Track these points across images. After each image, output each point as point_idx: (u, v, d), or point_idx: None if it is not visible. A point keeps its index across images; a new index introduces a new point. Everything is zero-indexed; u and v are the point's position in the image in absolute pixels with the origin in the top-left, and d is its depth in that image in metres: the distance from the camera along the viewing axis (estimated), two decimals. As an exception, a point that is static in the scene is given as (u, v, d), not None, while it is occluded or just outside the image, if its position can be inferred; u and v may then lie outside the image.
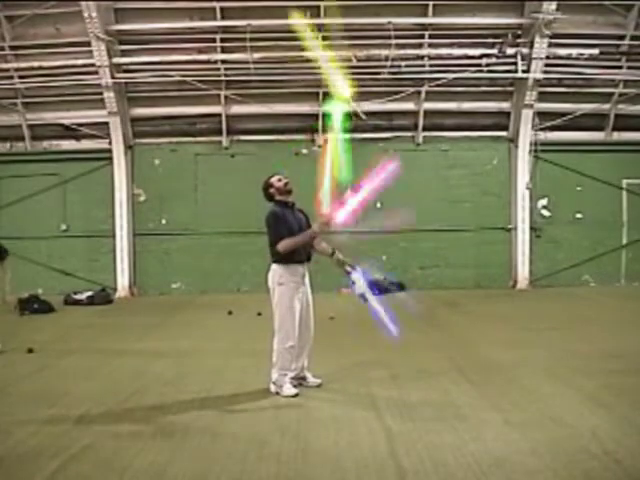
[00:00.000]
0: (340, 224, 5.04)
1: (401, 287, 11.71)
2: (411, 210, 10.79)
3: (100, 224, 12.12)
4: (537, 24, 10.83)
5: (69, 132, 12.18)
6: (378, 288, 5.37)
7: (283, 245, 4.99)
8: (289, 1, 11.07)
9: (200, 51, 11.43)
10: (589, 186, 12.13)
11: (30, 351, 6.90)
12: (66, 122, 12.02)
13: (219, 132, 12.08)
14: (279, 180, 5.28)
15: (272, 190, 5.26)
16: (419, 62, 11.45)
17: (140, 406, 4.85)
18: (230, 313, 9.49)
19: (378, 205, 12.12)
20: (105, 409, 4.76)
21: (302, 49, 10.94)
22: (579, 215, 12.25)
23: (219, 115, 11.94)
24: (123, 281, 11.93)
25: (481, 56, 11.26)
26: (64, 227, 12.16)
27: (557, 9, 10.70)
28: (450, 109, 12.09)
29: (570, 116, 11.82)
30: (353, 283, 5.18)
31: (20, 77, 11.54)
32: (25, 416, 4.56)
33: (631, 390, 4.92)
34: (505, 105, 12.10)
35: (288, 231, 5.03)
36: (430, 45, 11.40)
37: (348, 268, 5.21)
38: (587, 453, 3.65)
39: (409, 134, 12.19)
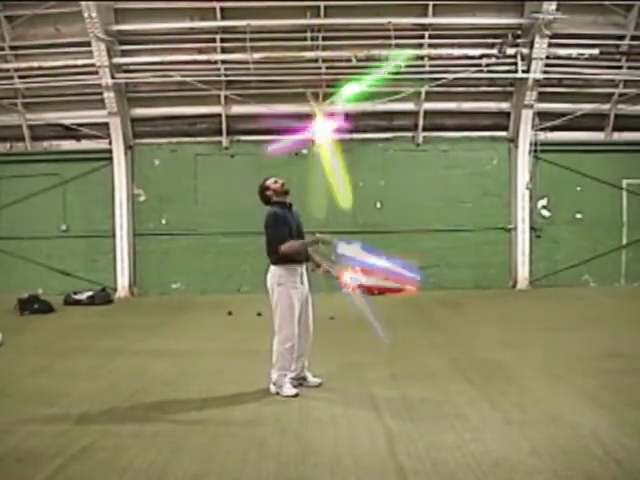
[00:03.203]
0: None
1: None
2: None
3: (100, 224, 12.10)
4: (537, 24, 10.81)
5: (69, 132, 12.16)
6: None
7: (286, 247, 5.00)
8: (289, 1, 11.11)
9: (200, 51, 11.42)
10: (589, 186, 12.11)
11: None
12: (66, 122, 12.00)
13: (219, 132, 12.07)
14: (275, 182, 5.28)
15: (269, 192, 5.27)
16: (419, 62, 11.45)
17: (140, 406, 4.86)
18: (230, 313, 9.49)
19: (378, 205, 12.16)
20: (105, 409, 4.77)
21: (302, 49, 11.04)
22: (579, 215, 12.24)
23: (219, 115, 11.93)
24: (123, 281, 11.92)
25: (481, 56, 11.24)
26: (64, 227, 12.15)
27: (557, 9, 10.68)
28: (450, 109, 12.07)
29: (570, 116, 11.81)
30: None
31: (20, 77, 11.53)
32: (25, 416, 4.56)
33: (631, 390, 4.93)
34: (505, 105, 12.08)
35: (289, 232, 5.04)
36: (430, 45, 11.38)
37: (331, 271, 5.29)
38: (587, 453, 3.65)
39: (409, 134, 12.19)
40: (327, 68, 11.28)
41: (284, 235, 5.02)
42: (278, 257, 5.06)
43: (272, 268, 5.13)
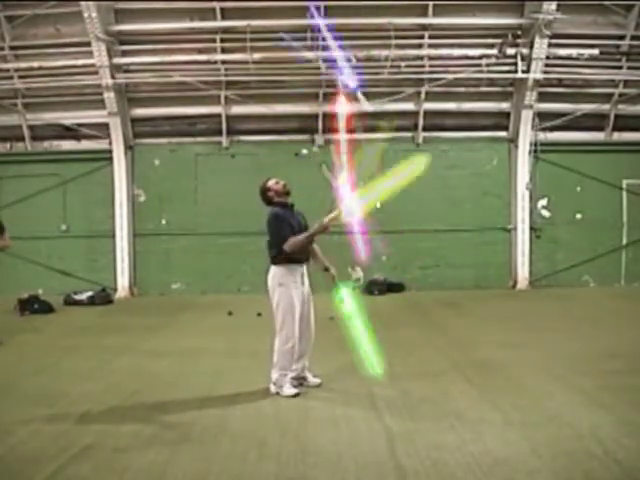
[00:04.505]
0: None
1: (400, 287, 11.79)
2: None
3: (100, 224, 12.10)
4: (537, 24, 10.81)
5: (69, 132, 12.16)
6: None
7: (290, 244, 4.98)
8: (289, 1, 11.11)
9: (200, 51, 11.42)
10: (589, 186, 12.10)
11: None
12: (66, 122, 12.01)
13: (219, 132, 12.06)
14: (276, 183, 5.29)
15: (270, 193, 5.27)
16: (419, 62, 11.44)
17: (140, 406, 4.86)
18: (230, 314, 9.49)
19: (378, 205, 12.14)
20: (105, 409, 4.77)
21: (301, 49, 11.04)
22: (579, 215, 12.22)
23: (219, 115, 11.93)
24: (123, 281, 11.92)
25: (481, 56, 11.24)
26: (64, 227, 12.14)
27: (557, 9, 10.68)
28: (450, 109, 12.07)
29: (570, 116, 11.81)
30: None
31: (20, 77, 11.52)
32: (25, 416, 4.56)
33: (630, 390, 4.93)
34: (505, 105, 12.08)
35: (291, 231, 5.04)
36: (430, 45, 11.37)
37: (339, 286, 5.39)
38: (587, 453, 3.65)
39: (409, 134, 12.18)
40: (327, 68, 11.28)
41: (286, 234, 5.01)
42: (281, 257, 5.06)
43: (273, 268, 5.13)
